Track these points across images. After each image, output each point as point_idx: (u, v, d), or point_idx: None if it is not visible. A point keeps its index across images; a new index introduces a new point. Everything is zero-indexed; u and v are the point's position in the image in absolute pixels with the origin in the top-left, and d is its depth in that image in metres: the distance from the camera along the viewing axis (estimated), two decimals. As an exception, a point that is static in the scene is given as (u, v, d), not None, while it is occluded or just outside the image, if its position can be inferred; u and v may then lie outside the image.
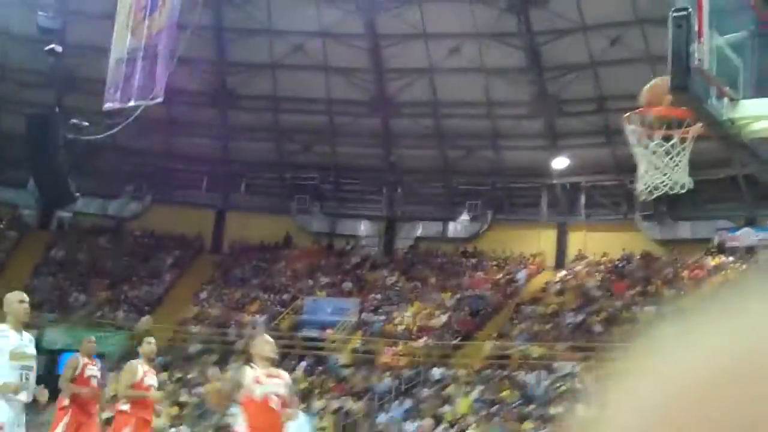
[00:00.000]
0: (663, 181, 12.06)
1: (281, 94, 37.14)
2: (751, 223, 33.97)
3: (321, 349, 32.17)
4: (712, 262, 33.46)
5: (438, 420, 25.14)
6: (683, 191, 12.64)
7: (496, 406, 25.65)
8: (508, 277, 35.05)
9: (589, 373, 26.54)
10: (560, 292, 33.25)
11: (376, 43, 35.53)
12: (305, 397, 24.81)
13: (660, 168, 12.01)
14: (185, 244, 39.17)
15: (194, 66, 31.85)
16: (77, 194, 29.12)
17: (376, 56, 35.78)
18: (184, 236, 39.07)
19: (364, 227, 39.36)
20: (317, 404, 27.19)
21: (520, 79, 34.86)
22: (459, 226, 37.95)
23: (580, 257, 35.75)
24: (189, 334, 33.58)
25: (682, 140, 11.84)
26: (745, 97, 8.09)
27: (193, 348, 32.36)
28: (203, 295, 36.06)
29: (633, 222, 35.27)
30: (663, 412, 0.52)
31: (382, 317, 33.28)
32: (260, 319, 33.36)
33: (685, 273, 32.90)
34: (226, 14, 35.59)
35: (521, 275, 35.03)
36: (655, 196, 12.62)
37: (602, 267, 34.62)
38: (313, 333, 32.80)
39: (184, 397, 27.30)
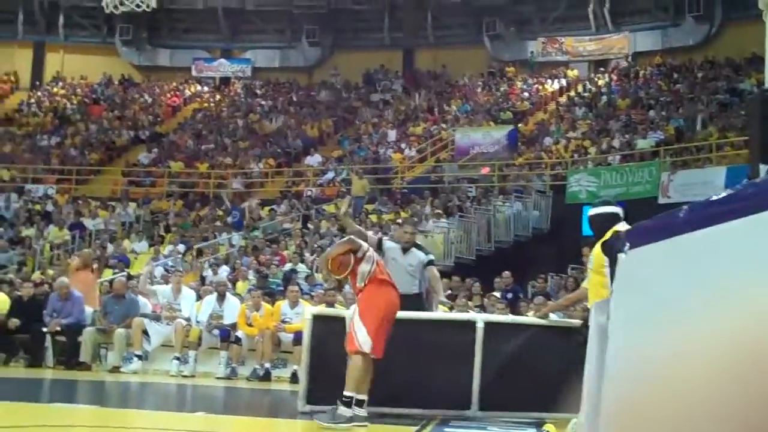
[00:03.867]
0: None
1: None
2: (226, 54, 35.49)
3: None
4: (188, 90, 34.64)
5: None
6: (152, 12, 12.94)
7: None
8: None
9: (64, 196, 26.54)
10: (35, 114, 32.34)
11: None
12: None
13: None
14: None
15: None
16: None
17: None
18: None
19: None
20: None
21: None
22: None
23: (58, 79, 34.94)
24: None
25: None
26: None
27: None
28: None
29: (113, 46, 35.01)
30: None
31: None
32: None
33: (163, 99, 33.75)
34: None
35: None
36: (120, 11, 12.82)
37: (80, 90, 34.20)
38: None
39: None
